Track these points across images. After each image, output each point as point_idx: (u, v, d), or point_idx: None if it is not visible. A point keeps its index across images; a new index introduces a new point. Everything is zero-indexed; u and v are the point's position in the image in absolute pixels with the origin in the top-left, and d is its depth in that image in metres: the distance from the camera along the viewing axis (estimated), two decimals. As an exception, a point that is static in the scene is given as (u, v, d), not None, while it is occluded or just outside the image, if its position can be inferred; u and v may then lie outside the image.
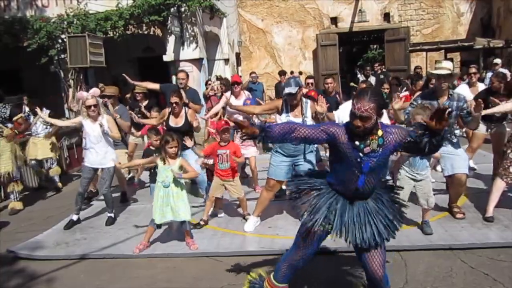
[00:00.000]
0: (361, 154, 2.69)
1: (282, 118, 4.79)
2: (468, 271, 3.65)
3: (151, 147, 5.66)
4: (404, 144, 2.72)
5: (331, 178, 2.94)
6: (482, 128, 6.09)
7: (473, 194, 5.46)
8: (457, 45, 14.50)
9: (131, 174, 7.47)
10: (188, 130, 5.60)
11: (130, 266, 4.28)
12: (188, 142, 5.18)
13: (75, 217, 5.49)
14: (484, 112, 4.52)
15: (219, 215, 5.44)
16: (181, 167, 4.44)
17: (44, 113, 7.29)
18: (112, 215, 5.57)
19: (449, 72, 4.48)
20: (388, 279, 2.98)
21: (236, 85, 6.93)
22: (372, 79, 11.77)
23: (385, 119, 4.79)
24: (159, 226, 4.57)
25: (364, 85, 5.14)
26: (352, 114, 2.64)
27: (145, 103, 7.28)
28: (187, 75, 6.89)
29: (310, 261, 3.87)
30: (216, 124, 5.35)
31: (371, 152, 2.68)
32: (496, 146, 5.92)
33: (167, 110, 5.69)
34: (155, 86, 6.94)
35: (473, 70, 6.82)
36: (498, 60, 10.45)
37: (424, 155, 3.26)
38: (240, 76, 14.04)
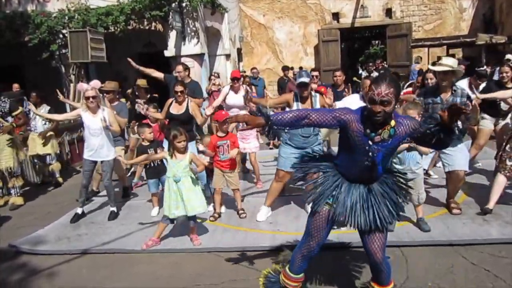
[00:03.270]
0: (370, 142, 2.69)
1: None
2: (469, 268, 3.65)
3: (144, 143, 5.64)
4: (414, 136, 2.75)
5: (338, 161, 2.96)
6: (488, 124, 6.09)
7: (475, 190, 5.45)
8: (459, 41, 14.46)
9: (132, 169, 7.49)
10: (187, 120, 5.63)
11: (131, 261, 4.29)
12: (201, 147, 5.24)
13: (79, 210, 5.52)
14: (482, 96, 5.02)
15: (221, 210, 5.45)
16: (191, 162, 4.46)
17: (42, 110, 7.30)
18: (115, 209, 5.57)
19: (448, 69, 4.46)
20: (391, 268, 3.02)
21: (235, 81, 6.96)
22: (375, 75, 11.80)
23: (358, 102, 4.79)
24: (172, 221, 4.53)
25: (368, 81, 5.20)
26: (372, 100, 2.58)
27: (147, 97, 7.33)
28: (186, 68, 6.82)
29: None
30: (216, 115, 5.36)
31: (381, 142, 2.68)
32: (501, 141, 5.90)
33: (170, 99, 5.72)
34: (159, 74, 6.83)
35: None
36: (510, 56, 10.39)
37: (432, 148, 3.27)
38: (244, 72, 14.03)
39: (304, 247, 2.99)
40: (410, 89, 7.31)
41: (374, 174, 2.81)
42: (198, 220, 5.06)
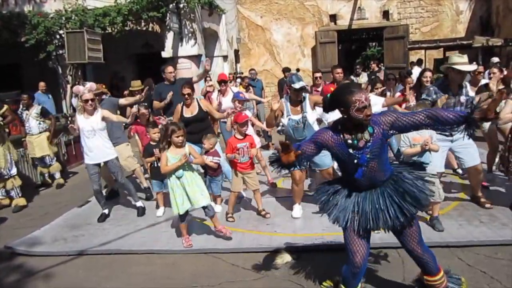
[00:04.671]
0: (351, 150, 2.78)
1: (285, 120, 4.91)
2: (466, 269, 3.65)
3: (152, 142, 5.65)
4: (399, 126, 2.78)
5: (344, 178, 3.05)
6: (488, 124, 6.10)
7: (471, 192, 5.46)
8: (456, 43, 14.50)
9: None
10: (203, 118, 5.68)
11: (129, 262, 4.29)
12: (207, 145, 5.22)
13: (106, 211, 5.54)
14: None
15: (216, 210, 5.44)
16: (189, 154, 4.46)
17: (34, 111, 7.27)
18: (141, 204, 5.63)
19: (474, 69, 4.70)
20: (435, 256, 3.04)
21: (223, 83, 7.00)
22: (364, 76, 11.88)
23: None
24: (183, 218, 4.49)
25: (339, 70, 5.24)
26: (364, 107, 2.67)
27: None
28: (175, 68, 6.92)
29: (313, 257, 3.89)
30: (236, 117, 5.30)
31: (365, 145, 2.76)
32: (493, 142, 6.01)
33: (179, 105, 5.70)
34: (162, 103, 6.79)
35: (480, 69, 6.82)
36: (496, 59, 10.52)
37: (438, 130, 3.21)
38: (242, 73, 14.04)
39: (351, 265, 2.96)
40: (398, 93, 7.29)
41: (371, 176, 2.84)
42: (197, 220, 5.08)
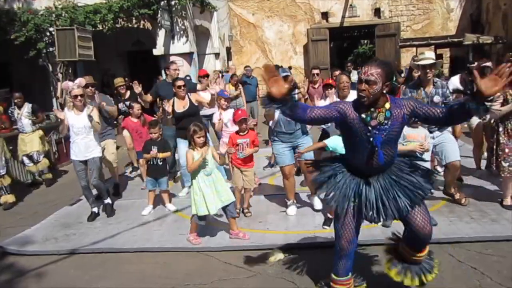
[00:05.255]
0: (369, 128, 2.72)
1: (277, 113, 4.91)
2: (457, 265, 3.68)
3: (148, 140, 5.64)
4: (418, 115, 2.74)
5: (348, 157, 2.99)
6: (475, 120, 6.14)
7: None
8: (447, 41, 14.62)
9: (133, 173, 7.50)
10: (194, 113, 5.71)
11: (120, 261, 4.26)
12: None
13: (95, 209, 5.48)
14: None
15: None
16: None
17: (26, 109, 7.21)
18: (109, 201, 5.58)
19: (433, 61, 4.66)
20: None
21: (206, 77, 7.05)
22: (354, 74, 11.90)
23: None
24: (202, 219, 4.44)
25: (344, 76, 5.23)
26: (358, 80, 2.69)
27: (127, 94, 7.38)
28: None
29: (305, 254, 3.89)
30: (234, 115, 5.35)
31: (378, 125, 2.70)
32: (478, 138, 6.12)
33: (171, 100, 5.73)
34: (150, 96, 6.81)
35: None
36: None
37: (441, 126, 3.15)
38: (227, 72, 13.99)
39: (337, 249, 2.97)
40: None
41: (380, 160, 2.76)
42: (186, 218, 5.06)
